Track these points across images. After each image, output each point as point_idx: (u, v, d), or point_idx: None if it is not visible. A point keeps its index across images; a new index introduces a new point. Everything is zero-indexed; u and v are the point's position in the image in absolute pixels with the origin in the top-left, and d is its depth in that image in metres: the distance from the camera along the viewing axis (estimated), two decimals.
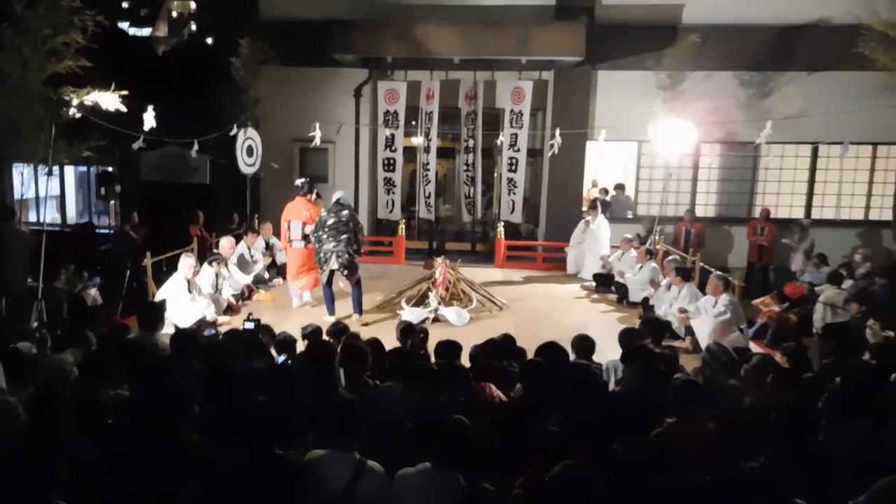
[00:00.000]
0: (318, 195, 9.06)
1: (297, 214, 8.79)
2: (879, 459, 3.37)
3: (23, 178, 7.20)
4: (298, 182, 9.03)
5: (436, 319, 8.35)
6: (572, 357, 5.09)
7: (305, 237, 8.61)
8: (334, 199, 8.26)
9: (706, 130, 11.26)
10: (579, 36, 11.38)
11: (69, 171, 14.52)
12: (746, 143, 12.22)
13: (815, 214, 12.82)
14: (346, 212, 8.14)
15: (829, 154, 12.53)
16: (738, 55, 11.93)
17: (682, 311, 7.75)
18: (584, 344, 5.26)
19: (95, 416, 3.59)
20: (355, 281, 8.23)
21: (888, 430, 3.80)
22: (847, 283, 9.29)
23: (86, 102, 5.88)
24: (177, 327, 6.53)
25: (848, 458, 3.62)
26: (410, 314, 8.27)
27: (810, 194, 12.98)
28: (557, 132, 10.79)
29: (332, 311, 8.24)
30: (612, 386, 5.04)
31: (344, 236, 8.03)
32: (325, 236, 8.08)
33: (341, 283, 8.37)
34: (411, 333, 5.57)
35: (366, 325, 8.01)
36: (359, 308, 8.28)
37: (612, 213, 12.43)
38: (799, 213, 12.71)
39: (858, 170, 12.72)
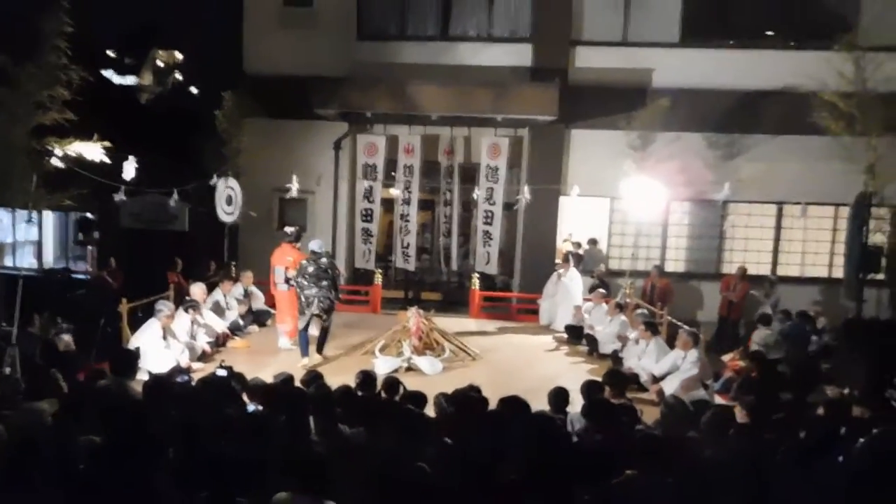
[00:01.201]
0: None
1: (282, 260, 9.37)
2: None
3: (1, 224, 7.25)
4: (288, 230, 9.62)
5: (409, 368, 8.45)
6: (548, 409, 5.24)
7: (287, 281, 9.16)
8: (310, 248, 8.76)
9: (675, 188, 11.66)
10: (553, 96, 11.79)
11: (47, 216, 14.53)
12: (714, 201, 12.68)
13: (781, 271, 13.17)
14: (324, 259, 8.69)
15: (794, 214, 12.97)
16: (705, 118, 12.43)
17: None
18: (559, 397, 5.40)
19: (68, 463, 3.64)
20: (326, 326, 8.76)
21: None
22: (813, 339, 9.62)
23: (69, 153, 6.02)
24: (150, 374, 6.55)
25: None
26: (384, 363, 8.37)
27: (776, 252, 13.37)
28: (526, 188, 11.15)
29: (305, 352, 8.65)
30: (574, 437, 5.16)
31: (324, 282, 8.55)
32: (305, 283, 8.57)
33: (314, 329, 8.69)
34: (372, 385, 5.67)
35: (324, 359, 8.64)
36: (321, 347, 8.84)
37: (584, 266, 12.69)
38: (765, 270, 13.04)
39: (821, 229, 13.16)
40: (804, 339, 9.61)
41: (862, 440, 4.59)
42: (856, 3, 12.00)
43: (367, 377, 5.79)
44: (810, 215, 12.58)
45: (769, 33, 12.89)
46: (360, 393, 5.46)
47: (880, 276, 11.43)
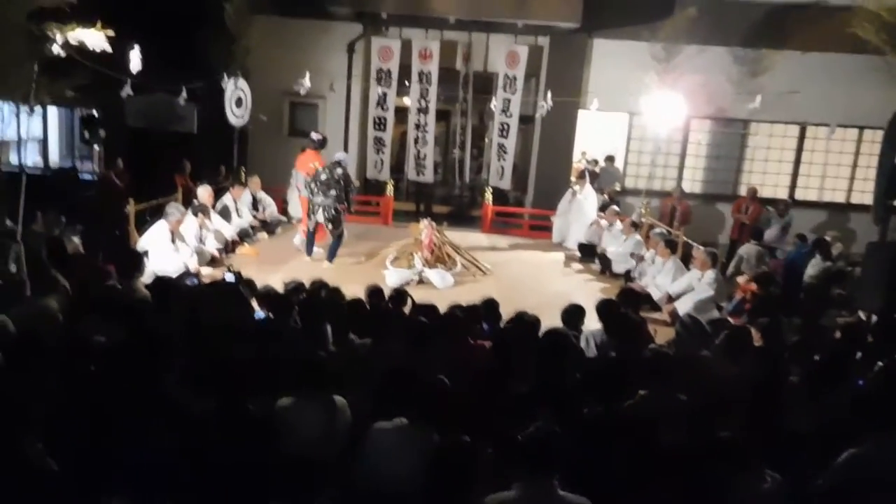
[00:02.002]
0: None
1: (305, 166, 9.47)
2: (847, 434, 3.48)
3: (2, 117, 7.03)
4: (314, 136, 9.56)
5: (420, 281, 8.40)
6: (560, 325, 5.17)
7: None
8: (335, 158, 8.86)
9: (697, 105, 11.26)
10: (576, 2, 11.26)
11: (52, 112, 14.24)
12: (736, 119, 12.29)
13: (799, 195, 12.91)
14: (339, 170, 8.67)
15: (816, 136, 12.59)
16: (733, 31, 11.84)
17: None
18: (573, 314, 5.30)
19: (84, 361, 3.60)
20: (337, 234, 8.81)
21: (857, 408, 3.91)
22: (825, 264, 9.48)
23: (70, 40, 5.72)
24: (157, 276, 6.50)
25: (818, 430, 3.73)
26: (395, 274, 8.31)
27: (795, 175, 13.06)
28: (549, 95, 10.76)
29: (310, 252, 8.98)
30: (591, 354, 5.12)
31: (333, 192, 8.58)
32: (315, 189, 8.67)
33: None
34: (381, 298, 5.61)
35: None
36: (331, 256, 8.85)
37: (600, 184, 12.44)
38: (783, 194, 12.80)
39: (843, 153, 12.81)
40: (801, 263, 9.50)
41: (880, 364, 4.55)
42: None
43: (376, 290, 5.72)
44: (833, 138, 12.23)
45: None
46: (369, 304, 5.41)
47: None
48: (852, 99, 11.46)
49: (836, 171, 13.00)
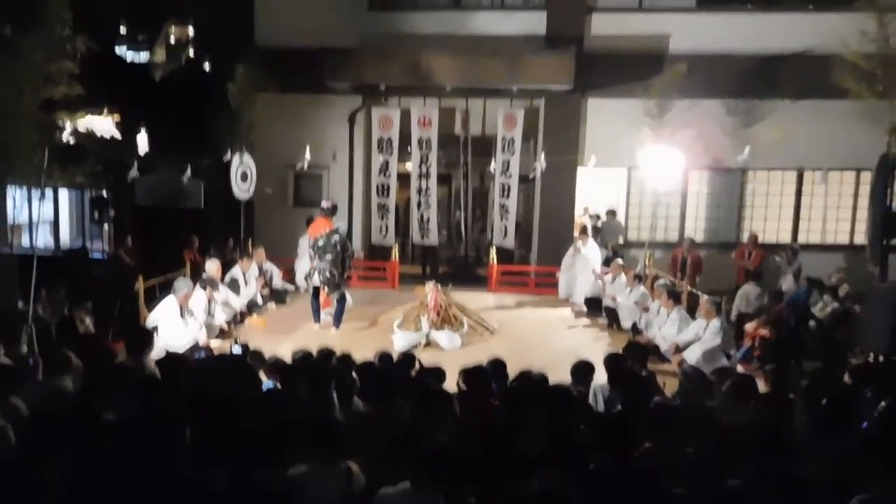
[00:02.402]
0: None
1: (317, 233, 9.56)
2: (857, 478, 3.45)
3: (15, 202, 7.25)
4: (324, 204, 9.73)
5: (427, 343, 8.43)
6: (569, 382, 5.19)
7: None
8: (335, 224, 9.24)
9: (694, 157, 11.45)
10: (568, 65, 11.62)
11: (63, 195, 14.61)
12: (733, 169, 12.47)
13: (802, 239, 12.98)
14: (336, 236, 9.01)
15: (814, 180, 12.74)
16: (723, 84, 12.18)
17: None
18: (582, 369, 5.33)
19: (95, 440, 3.64)
20: (337, 298, 9.06)
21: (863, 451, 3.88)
22: (832, 305, 9.48)
23: (79, 128, 5.97)
24: (167, 352, 6.57)
25: (827, 475, 3.70)
26: (402, 338, 8.36)
27: (796, 219, 13.16)
28: (542, 156, 11.01)
29: (317, 319, 9.20)
30: (601, 408, 5.12)
31: (329, 256, 8.91)
32: (312, 254, 9.06)
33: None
34: (390, 362, 5.64)
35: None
36: (337, 321, 9.08)
37: (602, 238, 12.56)
38: (786, 238, 12.87)
39: (843, 195, 12.92)
40: (805, 304, 9.53)
41: (883, 403, 4.52)
42: None
43: (384, 356, 5.76)
44: (831, 181, 12.37)
45: None
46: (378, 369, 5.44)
47: None
48: (846, 142, 11.64)
49: (837, 213, 13.09)
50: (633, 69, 12.02)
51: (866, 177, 12.76)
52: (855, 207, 12.99)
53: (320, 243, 8.95)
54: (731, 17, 12.40)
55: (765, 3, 12.48)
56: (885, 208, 7.07)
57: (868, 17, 8.38)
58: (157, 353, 5.76)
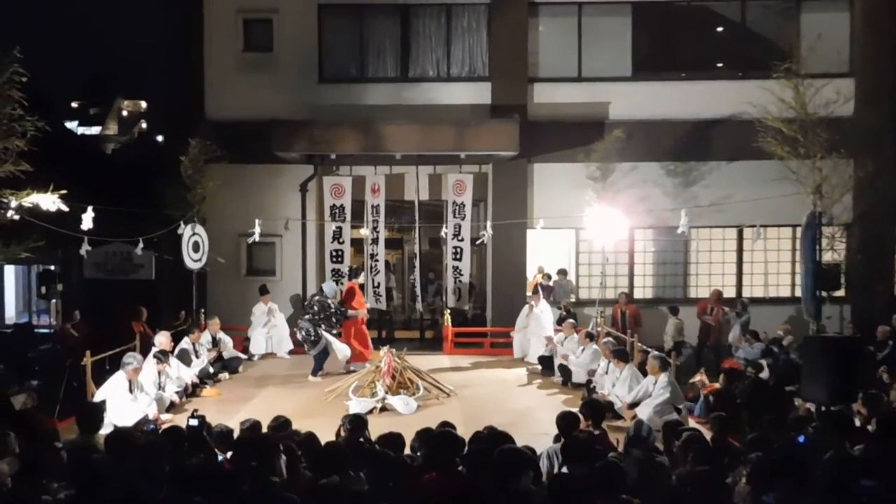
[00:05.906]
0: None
1: (351, 298, 10.60)
2: None
3: None
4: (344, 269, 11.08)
5: (383, 408, 8.41)
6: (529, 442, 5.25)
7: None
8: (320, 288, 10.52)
9: (637, 217, 11.91)
10: (513, 132, 12.06)
11: (9, 270, 14.30)
12: (675, 227, 12.92)
13: (746, 293, 13.43)
14: (318, 297, 10.15)
15: (754, 236, 13.25)
16: (661, 147, 12.80)
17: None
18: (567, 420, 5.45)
19: None
20: (316, 353, 9.98)
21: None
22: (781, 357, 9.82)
23: (24, 204, 5.94)
24: (116, 427, 6.43)
25: None
26: (358, 404, 8.32)
27: (740, 274, 13.64)
28: (489, 224, 11.33)
29: (313, 373, 10.03)
30: (555, 470, 5.14)
31: (307, 315, 9.99)
32: (302, 313, 10.20)
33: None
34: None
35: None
36: (315, 371, 10.05)
37: (555, 297, 12.80)
38: (730, 293, 13.29)
39: (781, 250, 13.48)
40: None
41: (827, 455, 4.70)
42: (795, 34, 12.61)
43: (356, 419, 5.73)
44: (770, 237, 12.89)
45: (718, 65, 13.39)
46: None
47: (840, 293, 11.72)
48: (779, 201, 12.08)
49: (777, 267, 13.62)
50: (576, 135, 12.53)
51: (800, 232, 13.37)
52: (794, 261, 13.51)
53: (306, 303, 9.81)
54: (666, 86, 13.10)
55: (696, 72, 13.24)
56: (815, 263, 7.45)
57: (787, 85, 8.99)
58: (106, 428, 5.64)
